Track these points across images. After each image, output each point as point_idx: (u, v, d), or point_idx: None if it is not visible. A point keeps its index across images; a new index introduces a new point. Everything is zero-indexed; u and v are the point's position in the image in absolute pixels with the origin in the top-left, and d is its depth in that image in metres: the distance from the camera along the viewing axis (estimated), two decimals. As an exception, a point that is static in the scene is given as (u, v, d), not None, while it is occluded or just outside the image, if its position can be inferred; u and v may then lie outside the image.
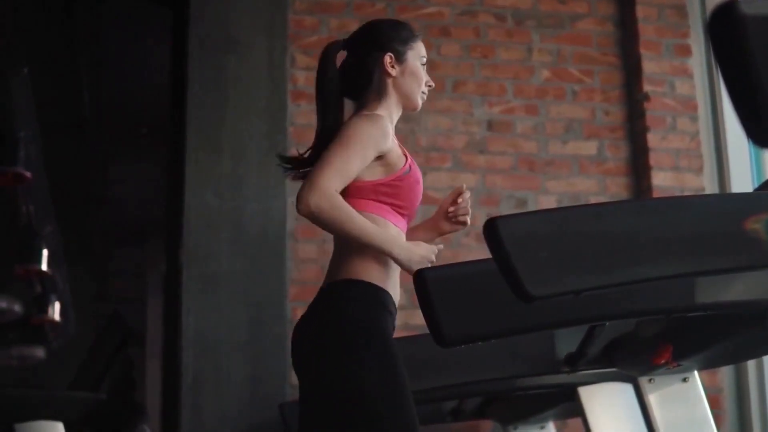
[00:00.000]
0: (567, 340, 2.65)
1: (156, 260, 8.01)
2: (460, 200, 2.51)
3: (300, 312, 4.04)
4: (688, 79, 4.47)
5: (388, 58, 2.41)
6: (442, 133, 4.33)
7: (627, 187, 4.42)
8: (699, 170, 4.38)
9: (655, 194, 4.29)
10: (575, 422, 3.83)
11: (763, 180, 2.71)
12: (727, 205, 1.70)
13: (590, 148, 4.44)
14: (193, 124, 4.15)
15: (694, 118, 4.43)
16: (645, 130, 4.39)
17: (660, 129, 4.40)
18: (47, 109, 5.32)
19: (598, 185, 4.40)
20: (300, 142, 4.06)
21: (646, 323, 2.43)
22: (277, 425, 3.56)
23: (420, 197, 2.43)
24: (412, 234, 2.48)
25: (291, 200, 3.94)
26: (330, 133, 2.38)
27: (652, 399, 2.60)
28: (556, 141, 4.42)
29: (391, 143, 2.34)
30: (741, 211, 1.59)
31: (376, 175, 2.32)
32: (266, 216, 4.05)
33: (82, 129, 6.69)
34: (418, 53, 2.45)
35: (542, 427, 3.83)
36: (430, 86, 2.48)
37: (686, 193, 4.27)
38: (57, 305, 6.52)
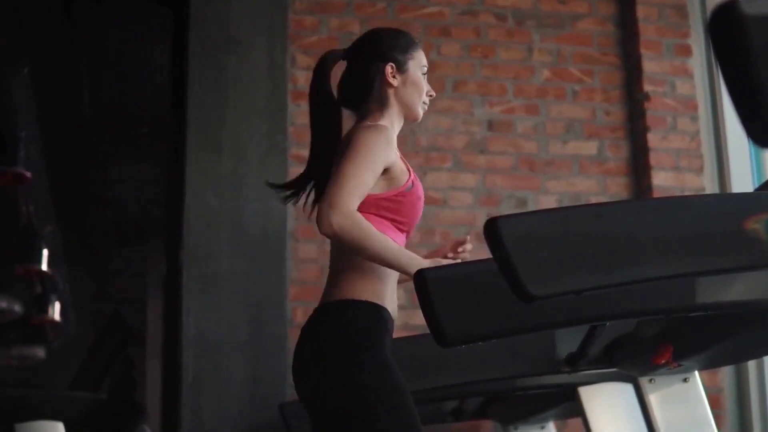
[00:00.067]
0: (567, 340, 2.65)
1: (156, 260, 8.01)
2: (461, 249, 2.45)
3: (300, 312, 4.05)
4: (688, 79, 4.47)
5: (389, 68, 2.39)
6: (443, 133, 4.33)
7: (627, 187, 4.42)
8: (699, 170, 4.38)
9: (656, 194, 4.29)
10: (575, 422, 3.83)
11: (764, 180, 2.71)
12: (728, 205, 1.70)
13: (590, 148, 4.44)
14: (194, 124, 4.15)
15: (695, 118, 4.43)
16: (645, 130, 4.39)
17: (660, 129, 4.40)
18: (47, 109, 5.32)
19: (598, 185, 4.40)
20: (300, 142, 4.07)
21: (647, 323, 2.43)
22: (277, 425, 3.56)
23: (420, 213, 2.40)
24: None
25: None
26: (329, 147, 2.37)
27: (653, 399, 2.60)
28: (557, 141, 4.42)
29: (395, 156, 2.31)
30: (741, 211, 1.59)
31: (378, 188, 2.29)
32: (266, 216, 4.05)
33: (82, 129, 6.69)
34: (419, 62, 2.43)
35: (542, 427, 3.83)
36: (430, 96, 2.46)
37: (686, 193, 4.26)
38: (57, 305, 6.52)
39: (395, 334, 2.36)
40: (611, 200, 4.26)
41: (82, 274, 7.80)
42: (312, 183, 2.44)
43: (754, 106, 1.34)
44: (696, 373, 2.60)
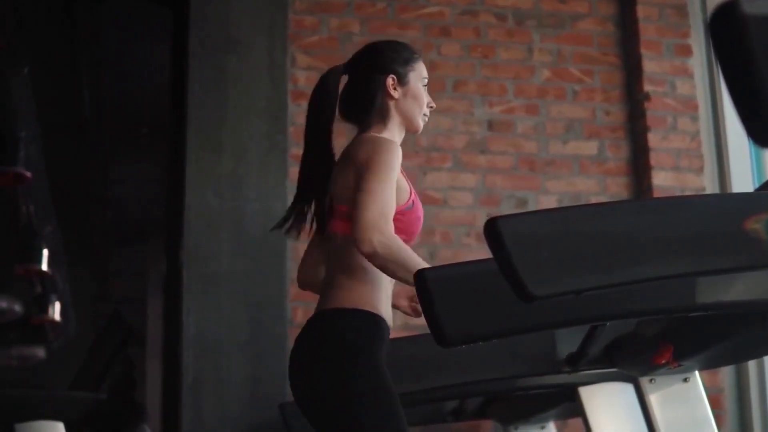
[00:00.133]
0: (568, 340, 2.65)
1: (156, 260, 8.01)
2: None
3: (300, 312, 4.06)
4: (688, 79, 4.47)
5: (390, 80, 2.40)
6: (443, 132, 4.33)
7: (627, 187, 4.42)
8: (699, 170, 4.38)
9: (656, 194, 4.29)
10: (576, 422, 3.83)
11: (764, 180, 2.71)
12: (728, 205, 1.70)
13: (591, 148, 4.44)
14: (194, 124, 4.15)
15: (695, 118, 4.43)
16: (645, 130, 4.39)
17: (660, 129, 4.40)
18: (47, 109, 5.32)
19: (598, 185, 4.40)
20: (300, 142, 4.05)
21: (647, 323, 2.43)
22: (277, 425, 3.56)
23: (418, 232, 2.40)
24: None
25: (291, 200, 3.94)
26: (323, 162, 2.38)
27: (653, 399, 2.60)
28: (557, 141, 4.42)
29: (399, 173, 2.32)
30: (741, 211, 1.59)
31: None
32: (266, 216, 4.05)
33: (83, 129, 6.69)
34: (419, 74, 2.44)
35: (543, 427, 3.83)
36: (431, 107, 2.47)
37: (687, 193, 4.26)
38: (57, 305, 6.52)
39: (395, 334, 2.36)
40: (611, 200, 4.26)
41: (82, 274, 7.80)
42: (309, 202, 2.43)
43: (755, 105, 1.34)
44: (696, 373, 2.61)
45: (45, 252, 5.75)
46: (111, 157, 7.45)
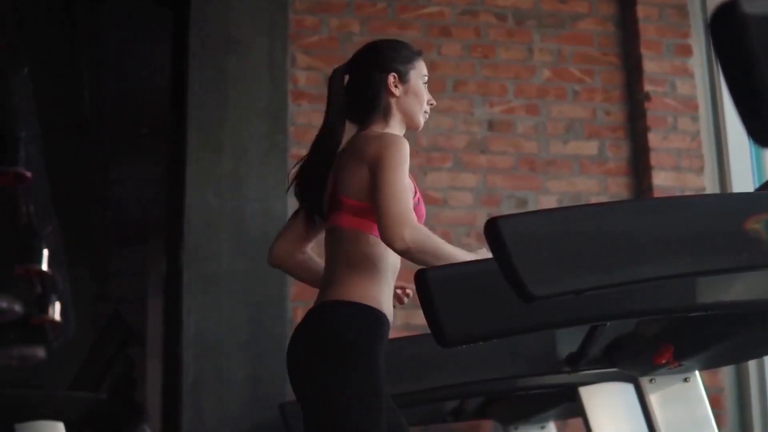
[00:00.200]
0: (568, 340, 2.65)
1: (156, 260, 8.01)
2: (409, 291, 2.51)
3: (300, 312, 4.05)
4: (688, 79, 4.47)
5: (391, 78, 2.42)
6: (443, 132, 4.33)
7: (628, 187, 4.42)
8: (700, 170, 4.38)
9: (656, 194, 4.28)
10: (576, 422, 3.83)
11: (764, 180, 2.71)
12: (728, 205, 1.70)
13: (591, 148, 4.44)
14: (194, 123, 4.15)
15: (695, 118, 4.43)
16: (646, 129, 4.39)
17: (661, 129, 4.40)
18: (47, 109, 5.32)
19: (598, 185, 4.40)
20: (300, 142, 4.07)
21: (647, 323, 2.43)
22: (277, 425, 3.56)
23: None
24: None
25: (291, 200, 3.94)
26: (328, 163, 2.39)
27: (653, 399, 2.60)
28: (557, 141, 4.42)
29: None
30: (741, 211, 1.59)
31: None
32: (267, 216, 4.05)
33: (83, 129, 6.69)
34: (419, 72, 2.46)
35: (543, 427, 3.83)
36: (431, 104, 2.49)
37: (687, 193, 4.26)
38: (57, 305, 6.52)
39: (395, 334, 2.36)
40: (612, 200, 4.26)
41: (82, 274, 7.80)
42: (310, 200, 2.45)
43: (755, 105, 1.34)
44: (696, 372, 2.61)
45: (45, 252, 5.75)
46: (111, 157, 7.45)
